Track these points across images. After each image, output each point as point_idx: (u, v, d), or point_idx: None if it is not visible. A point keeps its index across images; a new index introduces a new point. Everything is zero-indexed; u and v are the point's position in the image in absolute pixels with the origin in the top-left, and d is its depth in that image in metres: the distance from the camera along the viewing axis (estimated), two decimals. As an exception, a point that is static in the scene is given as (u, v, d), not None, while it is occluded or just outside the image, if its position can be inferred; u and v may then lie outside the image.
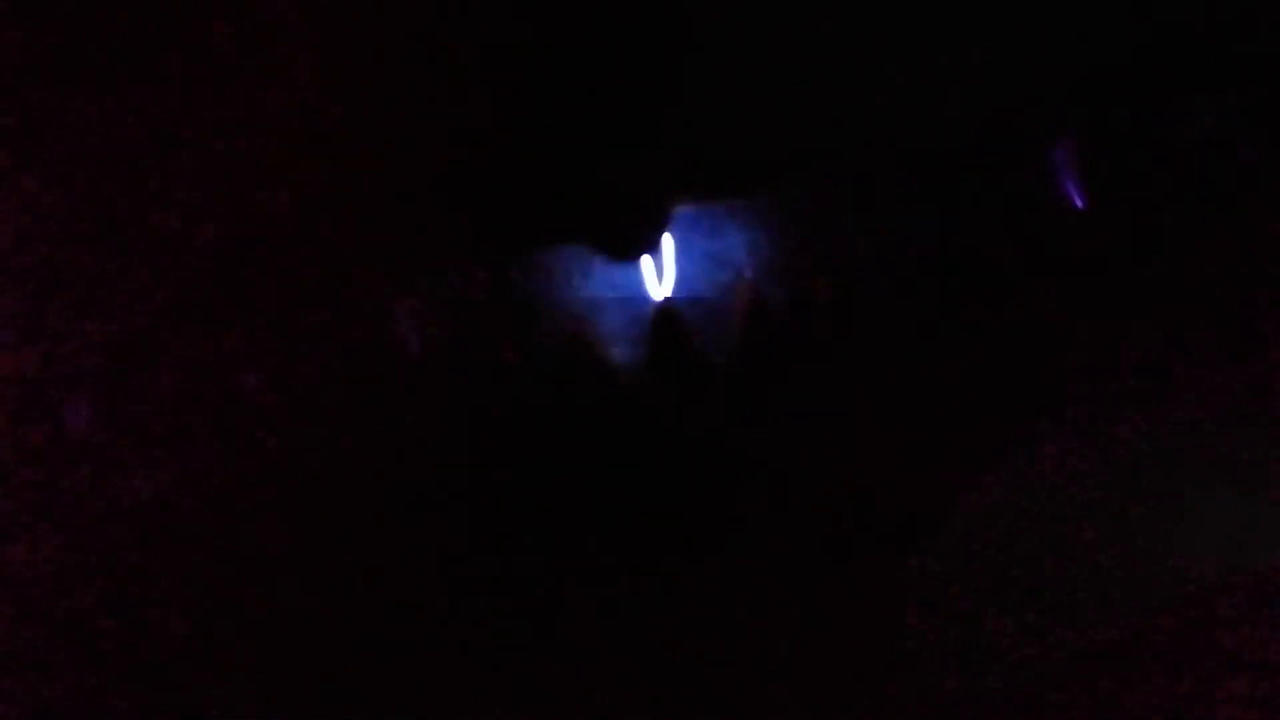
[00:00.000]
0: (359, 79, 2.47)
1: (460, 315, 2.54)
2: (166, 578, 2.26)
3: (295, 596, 2.35)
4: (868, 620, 2.56)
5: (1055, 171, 3.11)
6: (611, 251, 2.68)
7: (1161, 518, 2.62)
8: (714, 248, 2.76)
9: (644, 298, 2.72)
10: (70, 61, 2.22)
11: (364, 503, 2.43)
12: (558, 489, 2.58)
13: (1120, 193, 3.10)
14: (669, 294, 2.73)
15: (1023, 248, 3.05)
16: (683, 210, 2.74)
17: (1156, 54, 3.05)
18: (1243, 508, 2.62)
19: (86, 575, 2.21)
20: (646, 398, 2.68)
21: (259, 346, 2.35)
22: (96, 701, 2.19)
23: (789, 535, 2.68)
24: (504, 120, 2.59)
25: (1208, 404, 2.83)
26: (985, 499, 2.73)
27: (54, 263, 2.21)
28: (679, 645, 2.52)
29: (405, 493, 2.46)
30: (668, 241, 2.74)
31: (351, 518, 2.42)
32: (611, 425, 2.65)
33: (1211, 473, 2.69)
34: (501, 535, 2.54)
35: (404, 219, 2.51)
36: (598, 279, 2.67)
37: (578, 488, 2.59)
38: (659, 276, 2.73)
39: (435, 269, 2.53)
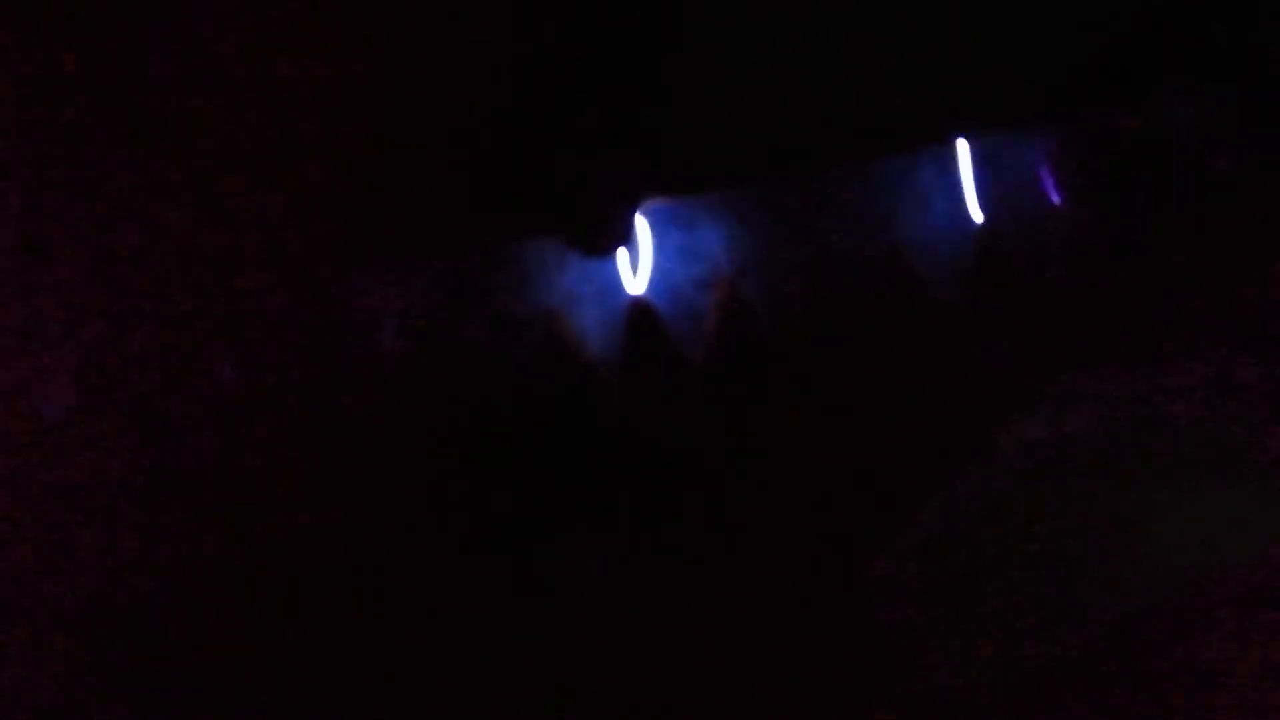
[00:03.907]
0: (338, 77, 2.48)
1: (433, 309, 2.53)
2: (149, 569, 2.26)
3: (282, 588, 2.35)
4: (845, 621, 2.56)
5: (1035, 167, 3.11)
6: (585, 246, 2.67)
7: (1153, 516, 2.62)
8: (689, 242, 2.76)
9: (618, 293, 2.71)
10: (65, 59, 2.23)
11: (341, 494, 2.42)
12: (531, 486, 2.57)
13: (1100, 187, 3.11)
14: (644, 289, 2.72)
15: (1003, 243, 3.06)
16: (658, 205, 2.74)
17: (1138, 49, 3.06)
18: (1230, 505, 2.62)
19: (66, 568, 2.21)
20: (621, 394, 2.68)
21: (236, 338, 2.36)
22: (92, 697, 2.19)
23: (767, 536, 2.68)
24: (475, 115, 2.60)
25: (1194, 399, 2.84)
26: (971, 497, 2.73)
27: (34, 253, 2.21)
28: (656, 647, 2.52)
29: (378, 485, 2.46)
30: (642, 236, 2.74)
31: (330, 509, 2.42)
32: (586, 422, 2.64)
33: (1203, 470, 2.69)
34: (474, 532, 2.53)
35: (378, 214, 2.51)
36: (571, 274, 2.66)
37: (551, 485, 2.58)
38: (634, 271, 2.73)
39: (408, 263, 2.53)
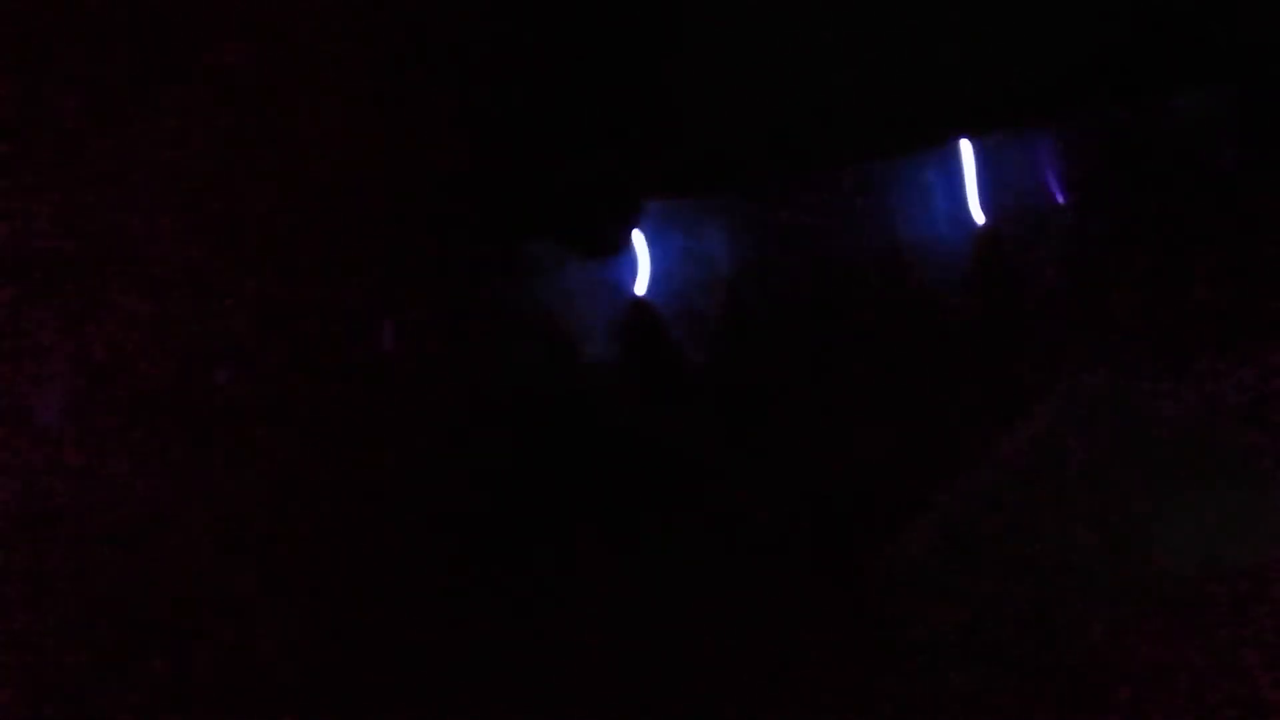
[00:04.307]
0: (339, 77, 2.48)
1: (433, 309, 2.54)
2: (149, 568, 2.26)
3: (281, 587, 2.35)
4: (845, 621, 2.55)
5: (1037, 167, 3.11)
6: (585, 246, 2.68)
7: (1152, 517, 2.61)
8: (690, 244, 2.76)
9: (619, 294, 2.71)
10: (65, 60, 2.24)
11: (341, 494, 2.43)
12: (531, 487, 2.57)
13: (1103, 187, 3.10)
14: (644, 291, 2.72)
15: (1006, 243, 3.05)
16: (659, 205, 2.74)
17: (1140, 47, 3.06)
18: (1229, 507, 2.62)
19: (66, 568, 2.21)
20: (621, 395, 2.68)
21: (236, 338, 2.36)
22: (91, 695, 2.19)
23: (767, 536, 2.68)
24: (475, 116, 2.60)
25: (1193, 401, 2.83)
26: (971, 497, 2.72)
27: (31, 259, 2.22)
28: (656, 647, 2.51)
29: (377, 486, 2.46)
30: (642, 237, 2.74)
31: (330, 509, 2.42)
32: (586, 423, 2.64)
33: (1202, 472, 2.69)
34: (474, 533, 2.53)
35: (378, 214, 2.52)
36: (571, 274, 2.67)
37: (551, 486, 2.58)
38: (634, 273, 2.73)
39: (407, 266, 2.53)
